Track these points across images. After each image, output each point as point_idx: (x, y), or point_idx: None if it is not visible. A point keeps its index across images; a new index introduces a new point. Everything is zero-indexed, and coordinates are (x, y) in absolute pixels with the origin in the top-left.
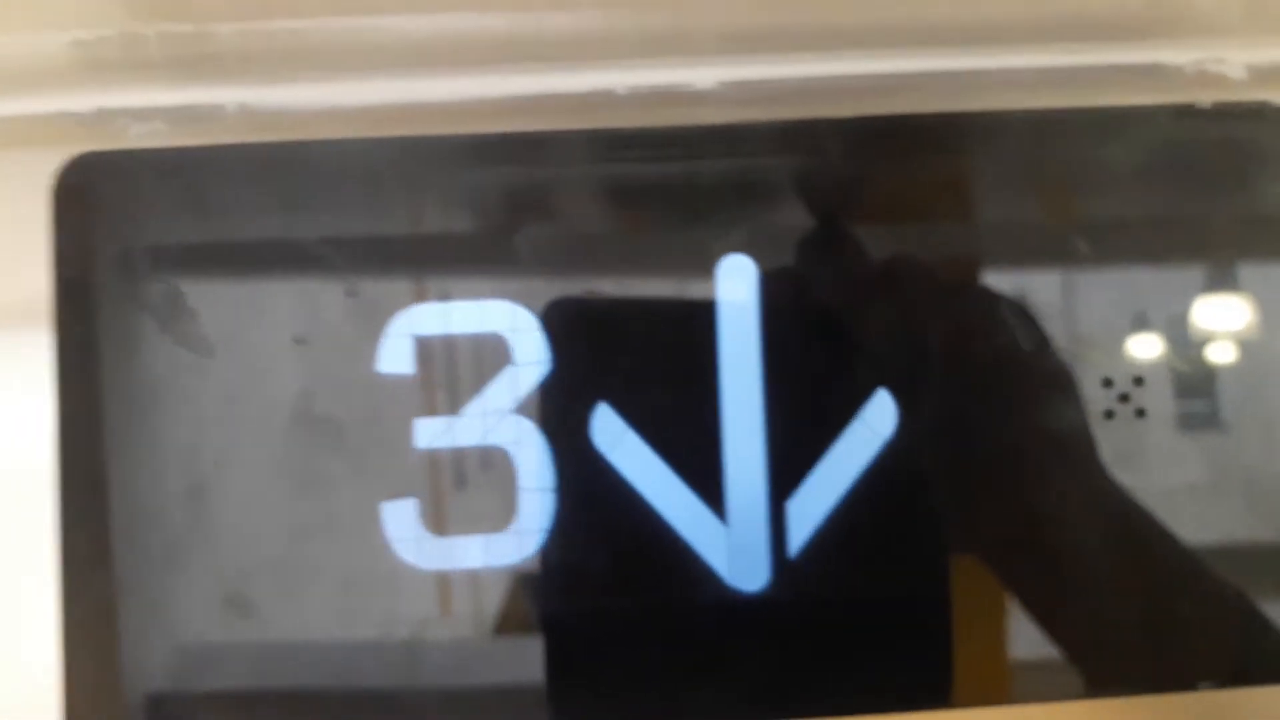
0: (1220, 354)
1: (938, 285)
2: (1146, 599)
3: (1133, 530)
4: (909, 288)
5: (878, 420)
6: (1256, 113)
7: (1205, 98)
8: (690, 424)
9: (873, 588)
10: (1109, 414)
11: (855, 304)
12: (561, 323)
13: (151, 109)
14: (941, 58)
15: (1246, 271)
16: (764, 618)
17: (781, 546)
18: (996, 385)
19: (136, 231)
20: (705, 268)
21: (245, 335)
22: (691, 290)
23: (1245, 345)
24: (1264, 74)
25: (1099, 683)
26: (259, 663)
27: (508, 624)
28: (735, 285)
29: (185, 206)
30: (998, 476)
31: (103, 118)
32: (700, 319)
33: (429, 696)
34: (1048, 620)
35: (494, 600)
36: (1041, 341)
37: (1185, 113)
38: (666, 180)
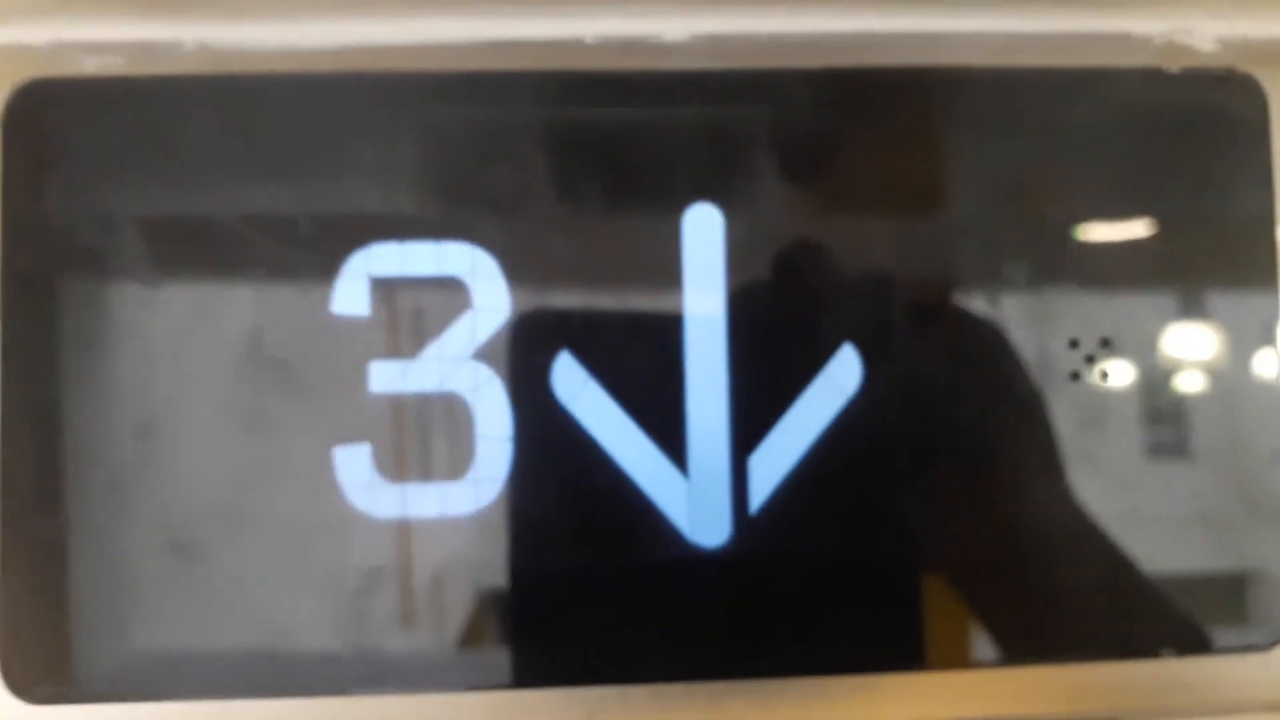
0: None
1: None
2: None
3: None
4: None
5: (842, 376)
6: (1223, 79)
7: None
8: (653, 376)
9: (834, 546)
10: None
11: (821, 260)
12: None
13: (108, 43)
14: (913, 17)
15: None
16: (724, 574)
17: (743, 502)
18: (958, 348)
19: (87, 161)
20: (671, 216)
21: (196, 269)
22: (657, 240)
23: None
24: (1233, 46)
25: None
26: (204, 607)
27: (462, 576)
28: (701, 234)
29: (137, 137)
30: (963, 439)
31: (58, 50)
32: (665, 269)
33: (377, 644)
34: (996, 585)
35: (449, 550)
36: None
37: (1152, 77)
38: (633, 126)
